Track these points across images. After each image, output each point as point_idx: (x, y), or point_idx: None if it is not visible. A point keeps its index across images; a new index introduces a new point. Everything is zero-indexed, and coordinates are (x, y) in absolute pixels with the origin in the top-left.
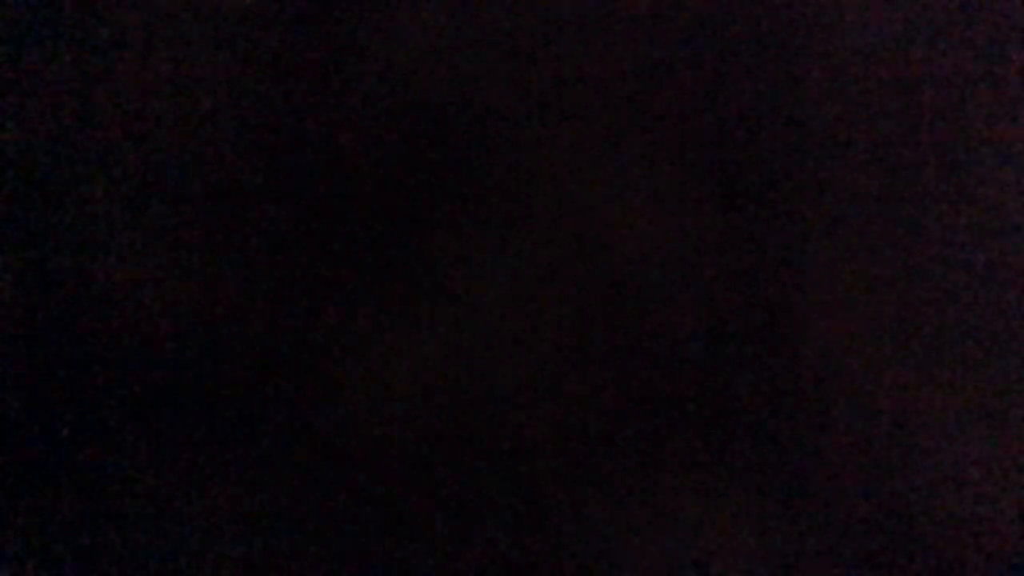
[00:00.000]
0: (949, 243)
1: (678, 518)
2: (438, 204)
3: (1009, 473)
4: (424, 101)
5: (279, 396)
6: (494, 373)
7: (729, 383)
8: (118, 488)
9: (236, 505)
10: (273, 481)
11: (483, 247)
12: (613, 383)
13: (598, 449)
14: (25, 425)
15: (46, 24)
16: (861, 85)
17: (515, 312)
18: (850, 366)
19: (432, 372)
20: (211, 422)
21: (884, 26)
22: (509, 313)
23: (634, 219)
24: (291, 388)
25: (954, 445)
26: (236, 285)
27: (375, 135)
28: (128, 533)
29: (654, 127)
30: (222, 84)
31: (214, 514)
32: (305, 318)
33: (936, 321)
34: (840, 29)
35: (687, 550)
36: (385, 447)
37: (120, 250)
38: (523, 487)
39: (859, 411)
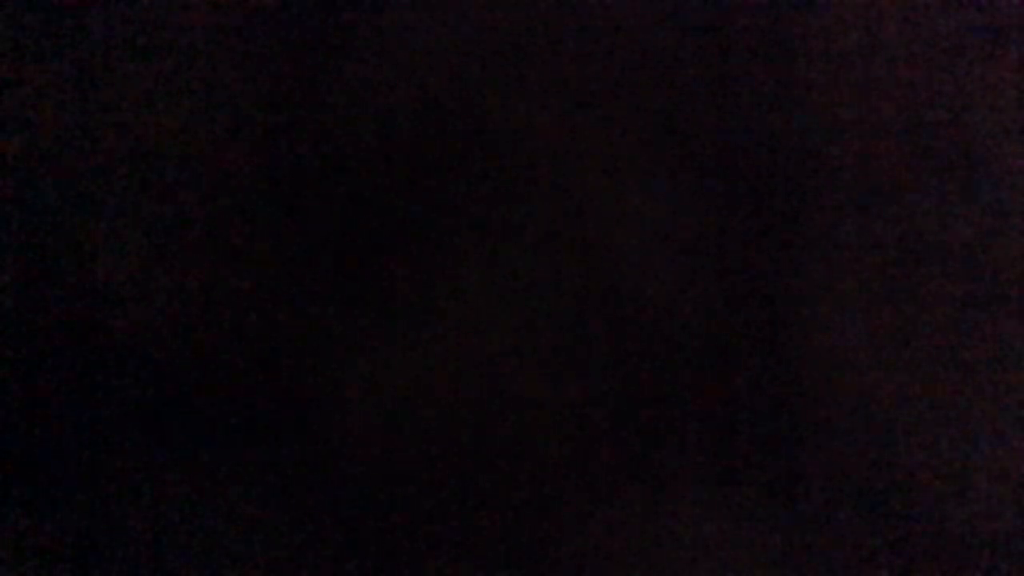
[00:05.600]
0: (949, 243)
1: (678, 518)
2: (438, 205)
3: (1009, 473)
4: (424, 103)
5: (280, 397)
6: (494, 374)
7: (729, 383)
8: (118, 488)
9: (237, 506)
10: (274, 483)
11: (483, 247)
12: (613, 383)
13: (598, 449)
14: (25, 425)
15: (46, 25)
16: (861, 87)
17: (515, 312)
18: (850, 367)
19: (432, 373)
20: (212, 423)
21: (885, 27)
22: (509, 314)
23: (634, 220)
24: (291, 390)
25: (954, 445)
26: (236, 286)
27: (375, 137)
28: (128, 533)
29: (654, 128)
30: (223, 85)
31: (215, 515)
32: (305, 319)
33: (936, 321)
34: (840, 30)
35: (687, 550)
36: (386, 449)
37: (120, 250)
38: (523, 487)
39: (859, 411)
